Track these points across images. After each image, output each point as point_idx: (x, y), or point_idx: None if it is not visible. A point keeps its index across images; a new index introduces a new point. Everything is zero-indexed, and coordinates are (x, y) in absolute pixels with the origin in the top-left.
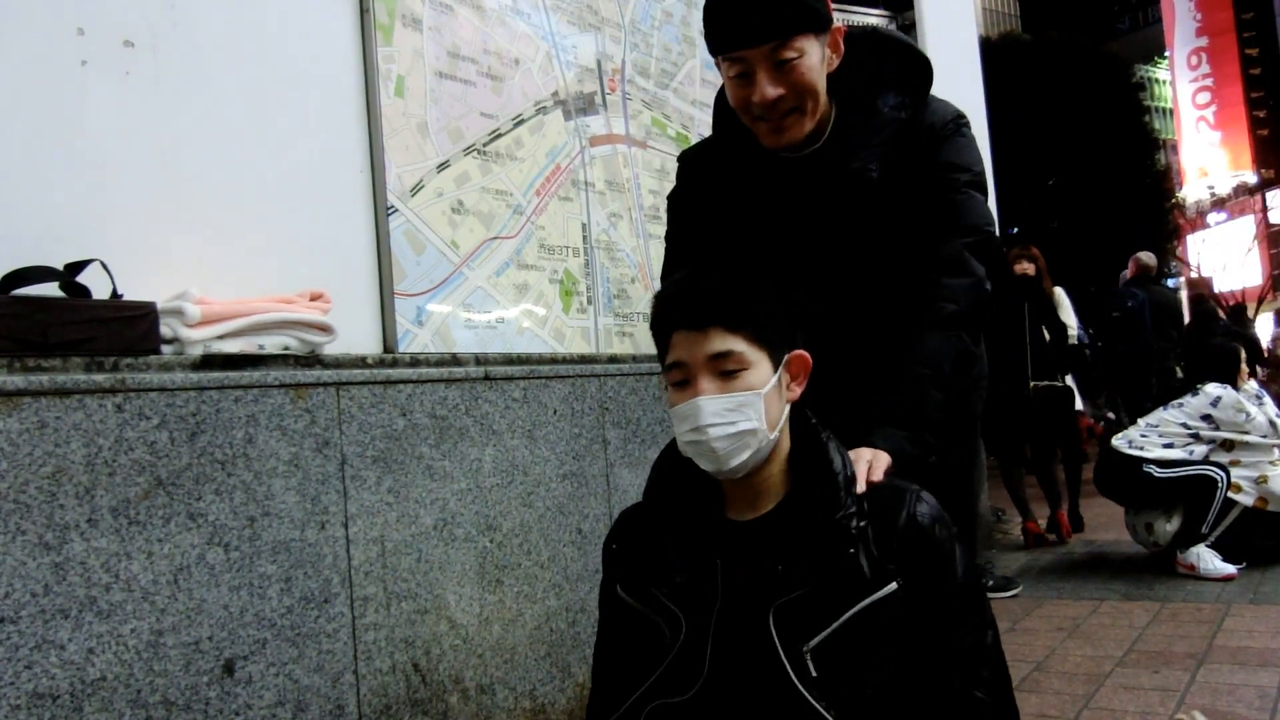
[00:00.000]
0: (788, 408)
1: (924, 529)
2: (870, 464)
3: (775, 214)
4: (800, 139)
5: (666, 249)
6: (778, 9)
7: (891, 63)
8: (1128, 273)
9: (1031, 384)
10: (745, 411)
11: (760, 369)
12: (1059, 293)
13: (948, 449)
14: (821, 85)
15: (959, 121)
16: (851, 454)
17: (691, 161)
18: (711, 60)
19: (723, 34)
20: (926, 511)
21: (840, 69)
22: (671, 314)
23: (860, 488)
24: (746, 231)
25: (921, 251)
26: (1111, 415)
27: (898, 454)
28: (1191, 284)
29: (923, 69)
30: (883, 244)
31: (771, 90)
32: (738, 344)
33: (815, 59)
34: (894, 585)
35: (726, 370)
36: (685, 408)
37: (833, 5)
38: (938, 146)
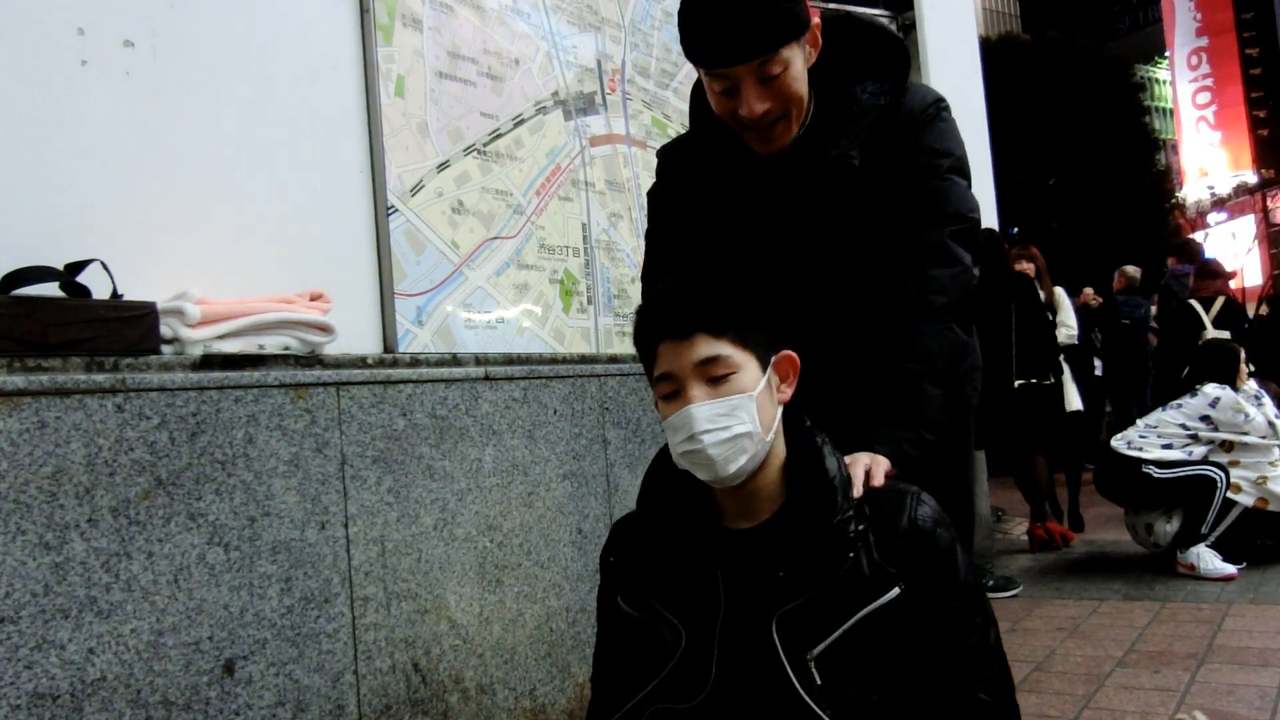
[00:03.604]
0: (780, 410)
1: (925, 532)
2: (869, 469)
3: (757, 207)
4: (789, 144)
5: (647, 247)
6: (761, 24)
7: (868, 48)
8: (1115, 285)
9: (1016, 383)
10: (738, 415)
11: (749, 371)
12: (1059, 293)
13: (943, 443)
14: (806, 89)
15: (939, 105)
16: (849, 459)
17: (671, 156)
18: None
19: (706, 51)
20: (928, 514)
21: (818, 58)
22: (655, 325)
23: (857, 491)
24: (728, 227)
25: (904, 239)
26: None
27: (897, 458)
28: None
29: (899, 53)
30: (866, 234)
31: (759, 105)
32: (724, 348)
33: (799, 66)
34: (896, 590)
35: (715, 376)
36: (677, 418)
37: (832, 4)
38: (918, 132)
